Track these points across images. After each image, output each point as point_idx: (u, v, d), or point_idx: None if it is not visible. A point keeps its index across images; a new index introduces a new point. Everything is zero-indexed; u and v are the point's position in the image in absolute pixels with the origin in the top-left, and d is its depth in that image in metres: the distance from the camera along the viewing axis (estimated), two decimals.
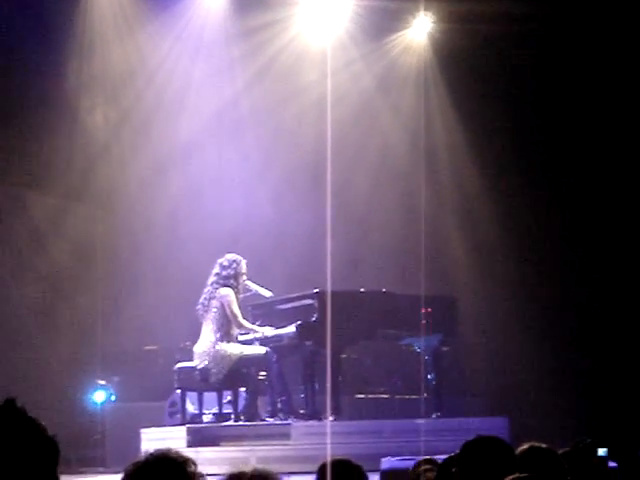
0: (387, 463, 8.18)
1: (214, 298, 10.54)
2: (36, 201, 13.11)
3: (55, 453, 2.49)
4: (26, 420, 2.47)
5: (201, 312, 10.62)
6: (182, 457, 2.80)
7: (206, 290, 10.64)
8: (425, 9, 13.58)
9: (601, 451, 5.30)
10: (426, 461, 4.71)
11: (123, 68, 13.32)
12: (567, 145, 13.43)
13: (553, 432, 6.61)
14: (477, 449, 4.03)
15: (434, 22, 13.69)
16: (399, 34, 14.01)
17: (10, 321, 12.65)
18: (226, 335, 10.50)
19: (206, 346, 10.53)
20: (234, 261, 10.65)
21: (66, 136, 12.80)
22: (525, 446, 4.46)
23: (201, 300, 10.63)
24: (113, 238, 13.67)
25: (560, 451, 4.77)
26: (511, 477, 3.27)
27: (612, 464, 6.03)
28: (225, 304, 10.46)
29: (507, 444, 4.09)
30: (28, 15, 12.17)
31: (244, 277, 10.69)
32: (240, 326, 10.59)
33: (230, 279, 10.58)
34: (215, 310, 10.51)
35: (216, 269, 10.65)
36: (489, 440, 4.07)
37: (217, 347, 10.45)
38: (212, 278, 10.66)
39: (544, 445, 4.50)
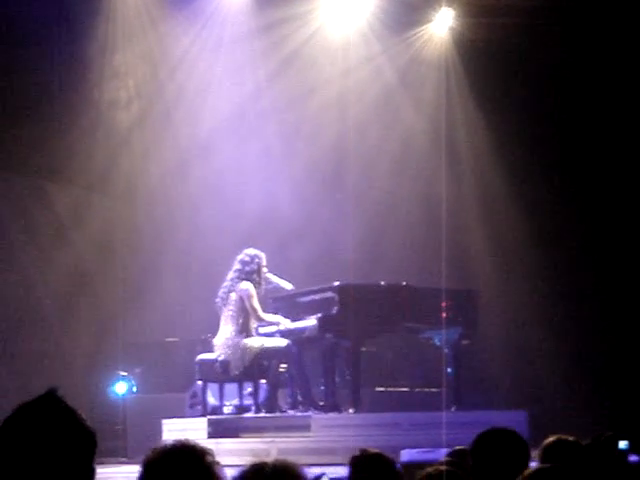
0: (406, 455, 8.22)
1: (233, 291, 10.57)
2: (58, 193, 13.19)
3: (93, 444, 2.50)
4: (67, 410, 2.49)
5: (219, 305, 10.65)
6: (200, 447, 2.82)
7: (225, 284, 10.68)
8: (447, 3, 13.56)
9: (622, 444, 5.31)
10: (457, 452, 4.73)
11: (145, 62, 13.38)
12: (592, 140, 13.38)
13: (573, 426, 6.61)
14: (490, 441, 4.07)
15: (456, 16, 13.67)
16: (421, 28, 13.98)
17: (33, 312, 12.74)
18: (245, 328, 10.54)
19: (226, 338, 10.58)
20: (255, 256, 10.67)
21: (88, 128, 12.86)
22: (551, 439, 4.48)
23: (220, 293, 10.67)
24: (135, 230, 13.74)
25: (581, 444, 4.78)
26: (535, 467, 3.30)
27: (634, 458, 6.04)
28: (245, 298, 10.50)
29: (520, 436, 4.12)
30: (51, 8, 12.24)
31: (265, 270, 10.72)
32: (260, 319, 10.62)
33: (252, 274, 10.60)
34: (234, 303, 10.54)
35: (236, 265, 10.65)
36: (502, 432, 4.10)
37: (236, 340, 10.49)
38: (232, 274, 10.66)
39: (571, 438, 4.52)
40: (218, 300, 10.66)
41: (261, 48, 13.54)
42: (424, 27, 14.00)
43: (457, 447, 5.02)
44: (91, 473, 2.49)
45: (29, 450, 2.42)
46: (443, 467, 3.96)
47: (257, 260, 10.63)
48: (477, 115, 13.96)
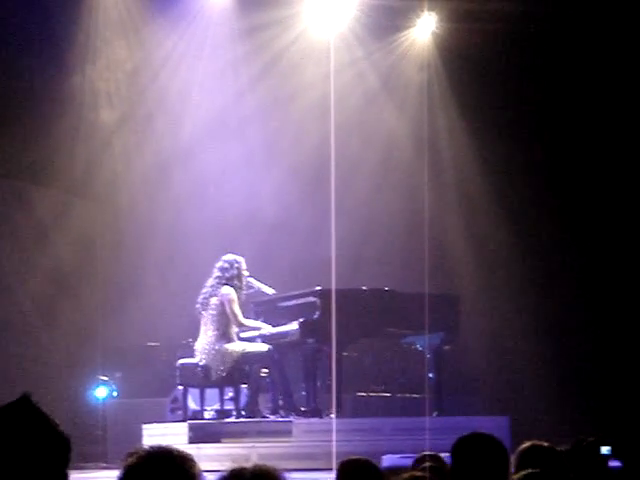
0: (388, 461, 8.20)
1: (214, 296, 10.54)
2: (39, 196, 13.12)
3: (66, 450, 2.47)
4: (39, 416, 2.46)
5: (200, 310, 10.62)
6: (181, 453, 2.79)
7: (205, 290, 10.64)
8: (429, 8, 13.58)
9: (604, 449, 5.31)
10: (430, 457, 4.73)
11: (127, 65, 13.33)
12: (572, 142, 13.43)
13: (556, 431, 6.63)
14: (469, 446, 4.06)
15: (438, 21, 13.69)
16: (403, 33, 14.01)
17: (13, 315, 12.65)
18: (226, 333, 10.51)
19: (206, 343, 10.55)
20: (234, 261, 10.65)
21: (70, 132, 12.80)
22: (527, 444, 4.48)
23: (199, 299, 10.63)
24: (116, 233, 13.69)
25: (561, 449, 4.79)
26: (522, 473, 3.29)
27: (616, 463, 6.04)
28: (225, 302, 10.47)
29: (499, 441, 4.12)
30: (33, 12, 12.17)
31: (246, 274, 10.70)
32: (240, 325, 10.60)
33: (234, 280, 10.57)
34: (215, 308, 10.51)
35: (216, 273, 10.61)
36: (481, 437, 4.10)
37: (217, 345, 10.46)
38: (212, 281, 10.63)
39: (545, 444, 4.52)
40: (198, 305, 10.63)
41: (244, 51, 13.53)
42: (407, 32, 14.02)
43: (425, 453, 5.02)
44: (64, 479, 2.45)
45: (0, 455, 2.38)
46: (418, 474, 3.95)
47: (236, 265, 10.60)
48: (459, 119, 13.99)
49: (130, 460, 2.73)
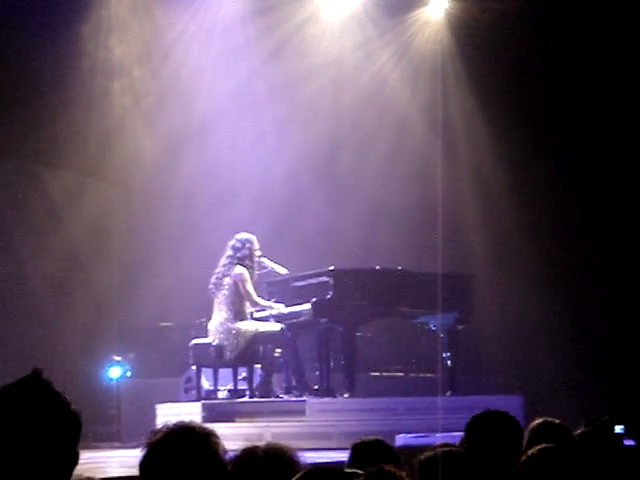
0: (401, 440, 8.22)
1: (227, 276, 10.54)
2: (52, 178, 13.14)
3: (77, 429, 2.45)
4: (50, 392, 2.45)
5: (213, 290, 10.62)
6: (203, 428, 2.79)
7: (218, 270, 10.63)
8: None
9: (618, 428, 5.30)
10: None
11: (139, 47, 13.30)
12: (587, 127, 13.34)
13: (570, 410, 6.60)
14: (483, 423, 4.07)
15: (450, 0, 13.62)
16: (416, 12, 13.93)
17: (27, 297, 12.70)
18: (239, 313, 10.52)
19: (220, 323, 10.55)
20: (247, 240, 10.63)
21: (82, 114, 12.79)
22: (538, 421, 4.48)
23: (213, 279, 10.63)
24: (129, 215, 13.70)
25: (578, 431, 4.79)
26: (537, 448, 3.28)
27: (630, 442, 6.03)
28: (239, 282, 10.47)
29: (513, 418, 4.12)
30: None
31: (258, 254, 10.68)
32: (254, 304, 10.60)
33: (245, 259, 10.56)
34: (228, 288, 10.51)
35: (228, 252, 10.61)
36: (495, 415, 4.10)
37: (230, 325, 10.47)
38: (225, 260, 10.62)
39: (557, 421, 4.52)
40: (211, 286, 10.63)
41: (255, 32, 13.47)
42: (419, 10, 13.94)
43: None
44: (74, 457, 2.44)
45: (9, 432, 2.37)
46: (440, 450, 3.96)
47: (248, 245, 10.59)
48: (473, 99, 13.90)
49: (154, 437, 2.73)
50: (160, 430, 2.76)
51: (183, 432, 2.74)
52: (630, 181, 13.05)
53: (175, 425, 2.77)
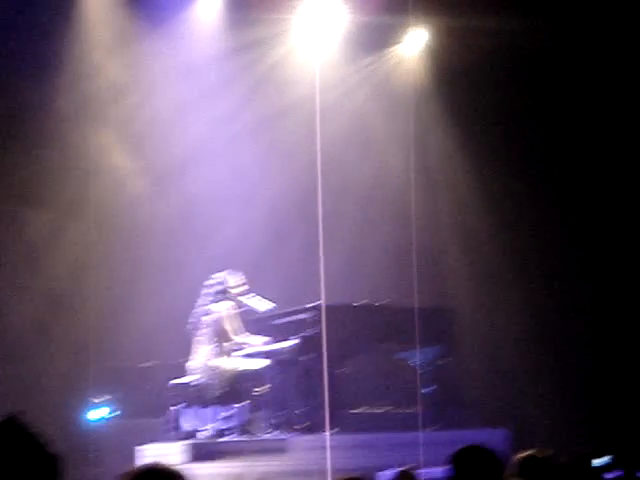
0: (384, 476, 8.19)
1: (206, 314, 10.55)
2: (31, 217, 13.10)
3: (54, 470, 2.44)
4: (27, 436, 2.44)
5: (191, 329, 10.62)
6: (170, 470, 2.80)
7: (196, 309, 10.65)
8: (418, 24, 13.61)
9: (602, 460, 5.31)
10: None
11: (117, 85, 13.32)
12: (564, 154, 13.48)
13: (555, 443, 6.60)
14: (462, 458, 4.07)
15: (427, 37, 13.73)
16: (392, 49, 14.05)
17: (6, 337, 12.62)
18: (218, 351, 10.50)
19: (199, 362, 10.52)
20: (223, 279, 10.70)
21: (60, 153, 12.79)
22: (522, 454, 4.50)
23: (191, 319, 10.65)
24: (109, 254, 13.65)
25: (557, 462, 4.79)
26: None
27: (610, 475, 6.03)
28: (218, 320, 10.47)
29: (491, 451, 4.12)
30: (21, 34, 12.18)
31: (235, 292, 10.69)
32: (232, 342, 10.58)
33: (223, 297, 10.59)
34: (207, 326, 10.51)
35: (205, 290, 10.68)
36: (474, 449, 4.10)
37: (210, 363, 10.43)
38: (203, 299, 10.67)
39: (541, 454, 4.53)
40: (189, 325, 10.63)
41: (234, 70, 13.53)
42: (395, 48, 14.05)
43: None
44: None
45: None
46: None
47: (225, 283, 10.62)
48: (450, 134, 13.99)
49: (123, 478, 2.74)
50: (129, 473, 2.77)
51: (150, 474, 2.74)
52: (618, 192, 13.18)
53: (143, 466, 2.78)
